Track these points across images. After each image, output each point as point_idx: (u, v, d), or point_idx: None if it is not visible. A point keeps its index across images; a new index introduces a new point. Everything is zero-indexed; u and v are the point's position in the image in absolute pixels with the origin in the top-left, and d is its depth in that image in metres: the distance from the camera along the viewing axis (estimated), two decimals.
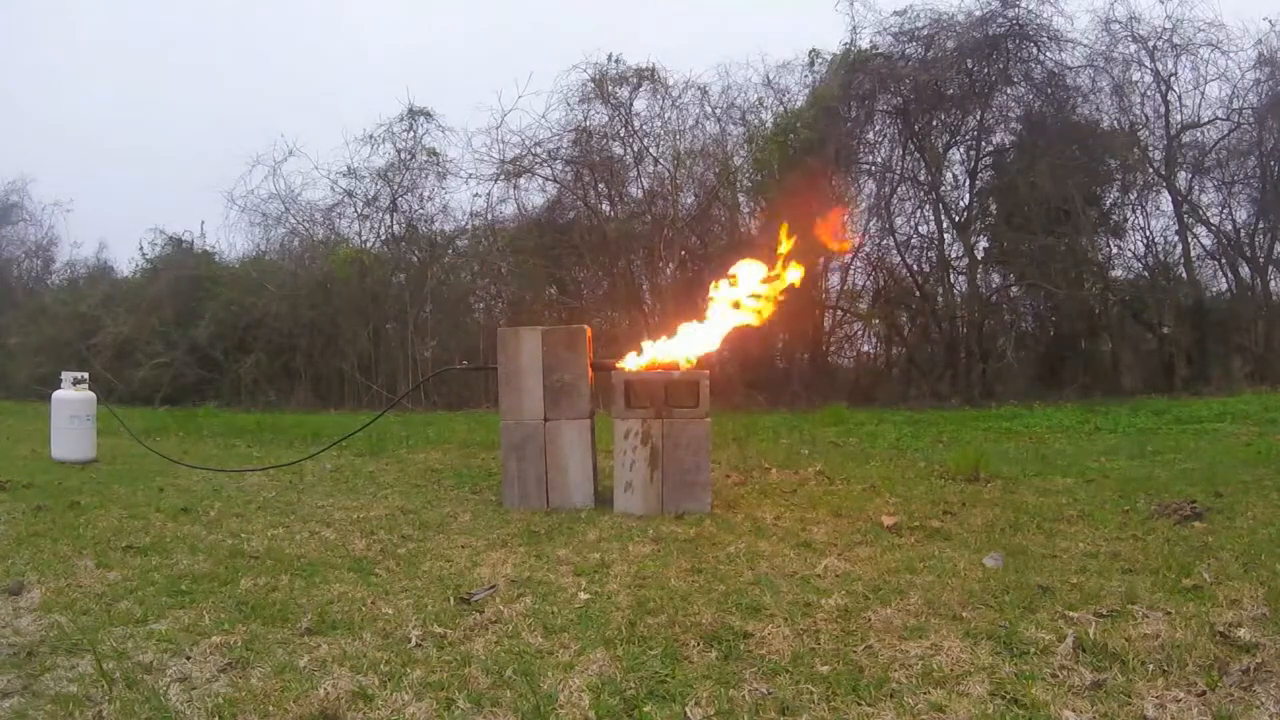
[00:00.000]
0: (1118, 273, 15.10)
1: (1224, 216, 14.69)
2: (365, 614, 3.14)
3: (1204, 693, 2.34)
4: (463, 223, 16.85)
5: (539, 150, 15.65)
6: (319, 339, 16.44)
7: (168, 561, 3.91)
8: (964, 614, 3.01)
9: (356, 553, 4.09)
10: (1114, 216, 14.84)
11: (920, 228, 15.24)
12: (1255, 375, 13.73)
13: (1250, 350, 14.52)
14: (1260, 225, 14.48)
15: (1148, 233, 14.82)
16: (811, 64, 15.04)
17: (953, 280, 15.06)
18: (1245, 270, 14.69)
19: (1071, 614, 2.97)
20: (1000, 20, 13.77)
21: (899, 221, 15.22)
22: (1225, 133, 14.19)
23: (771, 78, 15.26)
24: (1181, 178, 14.45)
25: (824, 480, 6.06)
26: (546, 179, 16.05)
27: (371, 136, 16.63)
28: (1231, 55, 13.79)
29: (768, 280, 5.50)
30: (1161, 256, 14.88)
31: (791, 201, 12.29)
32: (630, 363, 5.54)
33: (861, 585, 3.39)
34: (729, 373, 13.82)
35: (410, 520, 4.85)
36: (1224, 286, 15.05)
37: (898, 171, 15.02)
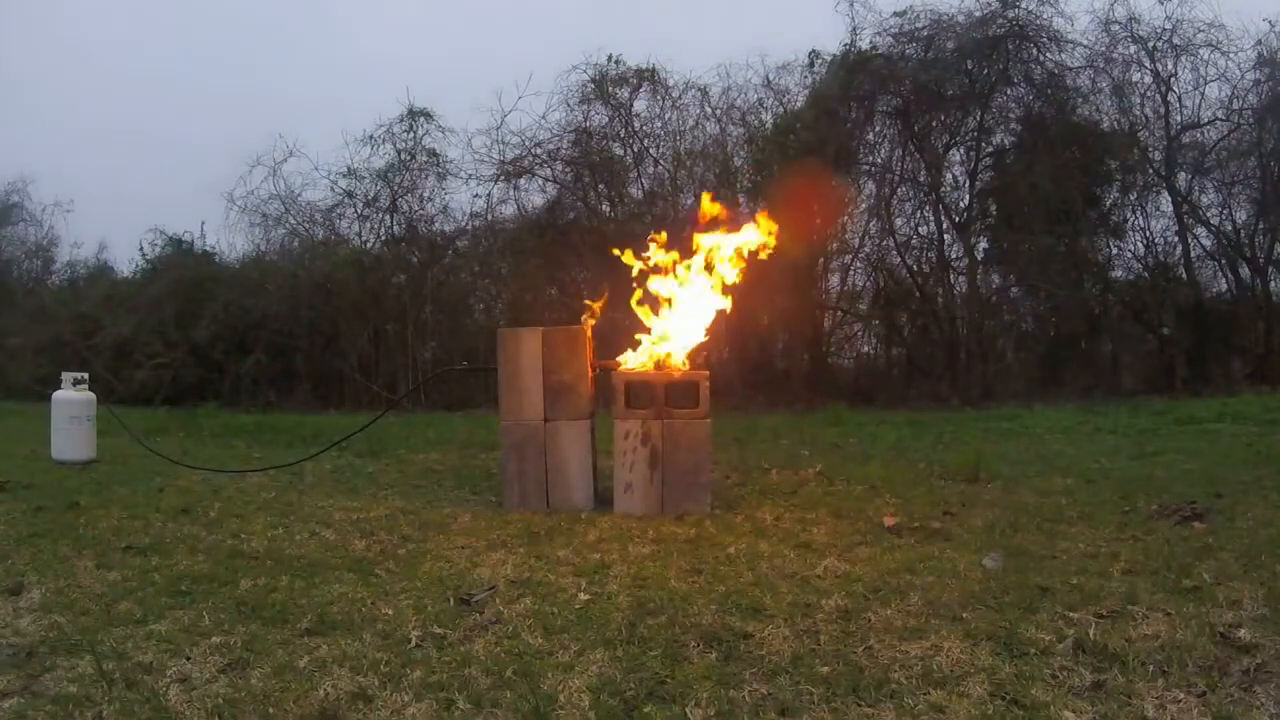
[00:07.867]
0: (1118, 273, 15.09)
1: (1224, 217, 14.67)
2: (365, 614, 3.14)
3: (1204, 693, 2.34)
4: (463, 223, 16.82)
5: (539, 151, 15.64)
6: (319, 340, 16.42)
7: (168, 562, 3.91)
8: (964, 615, 3.01)
9: (356, 553, 4.08)
10: (1114, 217, 14.83)
11: (920, 228, 15.25)
12: (1255, 376, 13.70)
13: (1250, 351, 14.50)
14: (1260, 226, 14.47)
15: (1148, 233, 14.81)
16: (811, 65, 15.03)
17: (953, 281, 15.06)
18: (1245, 271, 14.68)
19: (1071, 614, 2.97)
20: (1000, 21, 13.76)
21: (899, 222, 15.22)
22: (1225, 133, 14.17)
23: (771, 79, 15.27)
24: (1181, 178, 14.43)
25: (824, 481, 6.05)
26: (546, 180, 16.05)
27: (371, 137, 16.57)
28: (1231, 56, 13.77)
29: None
30: (1161, 257, 14.87)
31: (791, 202, 12.29)
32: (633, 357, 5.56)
33: (861, 586, 3.39)
34: (729, 374, 13.81)
35: (410, 521, 4.85)
36: (1224, 287, 15.06)
37: (898, 172, 15.01)
